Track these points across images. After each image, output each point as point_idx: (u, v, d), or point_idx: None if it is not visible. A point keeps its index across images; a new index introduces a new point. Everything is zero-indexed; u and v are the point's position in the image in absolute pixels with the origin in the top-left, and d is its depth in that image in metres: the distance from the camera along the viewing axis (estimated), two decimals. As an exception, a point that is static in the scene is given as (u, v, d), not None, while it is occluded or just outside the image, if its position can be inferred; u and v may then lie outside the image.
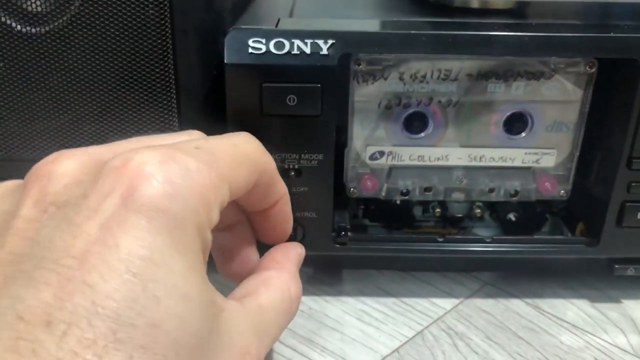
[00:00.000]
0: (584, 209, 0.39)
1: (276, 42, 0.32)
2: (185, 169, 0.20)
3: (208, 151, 0.22)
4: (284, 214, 0.28)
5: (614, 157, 0.35)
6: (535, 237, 0.39)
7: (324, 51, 0.32)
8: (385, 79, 0.35)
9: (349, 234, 0.38)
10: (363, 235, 0.39)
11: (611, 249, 0.37)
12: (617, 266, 0.38)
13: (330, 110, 0.33)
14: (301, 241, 0.36)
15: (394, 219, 0.41)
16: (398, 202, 0.39)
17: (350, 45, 0.32)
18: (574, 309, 0.39)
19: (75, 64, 0.33)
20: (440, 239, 0.38)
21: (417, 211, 0.41)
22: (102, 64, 0.33)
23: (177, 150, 0.21)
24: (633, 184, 0.35)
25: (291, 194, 0.35)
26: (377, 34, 0.32)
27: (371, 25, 0.35)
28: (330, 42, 0.32)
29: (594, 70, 0.35)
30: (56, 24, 0.32)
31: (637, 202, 0.36)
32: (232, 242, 0.29)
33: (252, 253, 0.29)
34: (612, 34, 0.33)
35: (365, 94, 0.36)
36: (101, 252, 0.18)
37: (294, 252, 0.29)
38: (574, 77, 0.36)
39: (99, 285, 0.17)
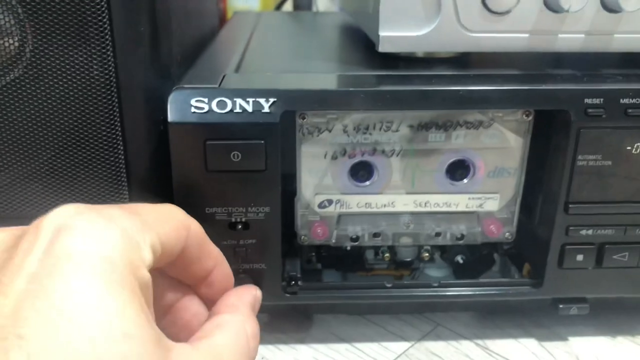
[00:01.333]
0: (529, 250, 0.40)
1: (219, 101, 0.33)
2: (107, 215, 0.21)
3: (130, 206, 0.23)
4: (225, 275, 0.29)
5: (554, 200, 0.37)
6: (481, 280, 0.40)
7: (266, 109, 0.33)
8: (330, 131, 0.36)
9: (299, 283, 0.38)
10: (314, 284, 0.39)
11: (554, 289, 0.38)
12: (561, 306, 0.39)
13: (274, 164, 0.34)
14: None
15: (346, 264, 0.41)
16: (348, 248, 0.40)
17: (291, 103, 0.33)
18: (522, 350, 0.40)
19: (19, 122, 0.33)
20: (389, 285, 0.39)
21: (370, 254, 0.42)
22: (47, 122, 0.33)
23: (96, 206, 0.21)
24: (571, 228, 0.36)
25: (239, 246, 0.36)
26: (317, 92, 0.33)
27: (314, 81, 0.36)
28: (271, 100, 0.33)
29: (530, 118, 0.37)
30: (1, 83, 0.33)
31: (575, 244, 0.37)
32: (183, 318, 0.29)
33: (201, 308, 0.29)
34: (543, 87, 0.34)
35: (312, 146, 0.37)
36: (32, 304, 0.18)
37: (248, 294, 0.29)
38: (512, 125, 0.37)
39: (33, 337, 0.17)
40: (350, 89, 0.33)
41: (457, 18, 0.36)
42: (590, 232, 0.37)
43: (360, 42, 0.47)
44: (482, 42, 0.37)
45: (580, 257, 0.37)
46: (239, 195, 0.34)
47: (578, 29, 0.37)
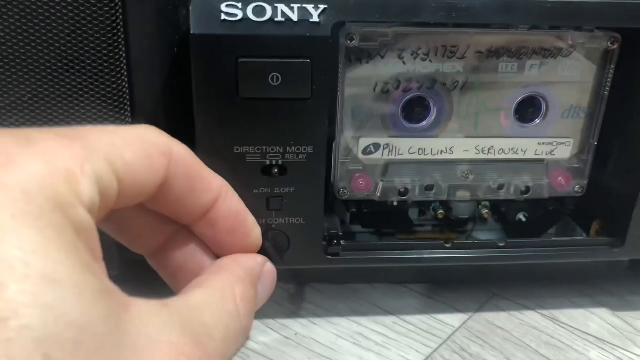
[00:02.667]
0: (601, 206, 0.35)
1: (255, 6, 0.26)
2: (26, 138, 0.15)
3: (77, 129, 0.17)
4: (233, 213, 0.22)
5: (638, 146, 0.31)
6: (552, 239, 0.34)
7: (315, 18, 0.26)
8: (382, 57, 0.30)
9: (342, 242, 0.32)
10: (359, 244, 0.33)
11: (638, 249, 0.33)
12: (642, 269, 0.34)
13: (322, 93, 0.27)
14: (287, 252, 0.29)
15: (388, 224, 0.35)
16: (395, 203, 0.34)
17: (346, 11, 0.26)
18: (596, 320, 0.34)
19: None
20: (448, 245, 0.32)
21: (413, 214, 0.36)
22: (36, 38, 0.26)
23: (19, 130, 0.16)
24: (664, 175, 0.31)
25: (274, 196, 0.29)
26: (375, 0, 0.27)
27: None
28: (322, 7, 0.26)
29: (616, 46, 0.31)
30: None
31: (668, 195, 0.31)
32: (178, 260, 0.22)
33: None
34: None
35: (359, 76, 0.30)
36: None
37: (249, 260, 0.23)
38: (594, 55, 0.31)
39: None
40: (420, -4, 0.27)
41: None
42: (686, 180, 0.31)
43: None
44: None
45: (670, 212, 0.32)
46: (276, 130, 0.28)
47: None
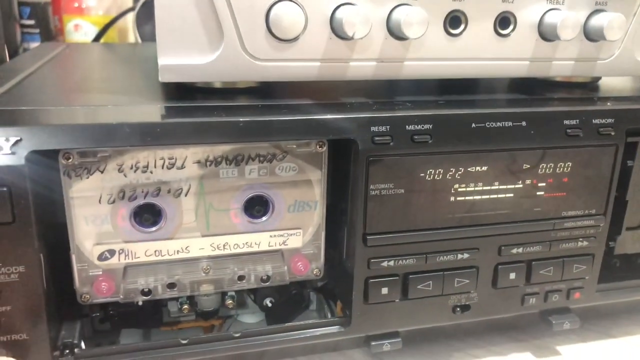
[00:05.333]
0: (339, 287, 0.38)
1: (-57, 142, 0.27)
2: None
3: None
4: None
5: (355, 233, 0.35)
6: (286, 325, 0.37)
7: (7, 150, 0.28)
8: (102, 172, 0.32)
9: (75, 350, 0.32)
10: (93, 351, 0.33)
11: (363, 326, 0.37)
12: (373, 343, 0.37)
13: (25, 215, 0.28)
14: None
15: (142, 321, 0.37)
16: (140, 303, 0.35)
17: (39, 141, 0.28)
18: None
19: None
20: (185, 341, 0.34)
21: (173, 307, 0.38)
22: None
23: None
24: (372, 260, 0.35)
25: (-11, 316, 0.29)
26: (71, 127, 0.29)
27: (74, 116, 0.31)
28: (13, 139, 0.28)
29: (324, 149, 0.35)
30: None
31: (378, 277, 0.35)
32: None
33: None
34: (329, 116, 0.33)
35: (82, 190, 0.32)
36: None
37: None
38: (307, 156, 0.35)
39: None
40: (112, 122, 0.29)
41: (242, 45, 0.34)
42: (392, 263, 0.35)
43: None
44: (271, 71, 0.35)
45: (385, 290, 0.36)
46: (-19, 254, 0.28)
47: (368, 56, 0.36)
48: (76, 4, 0.87)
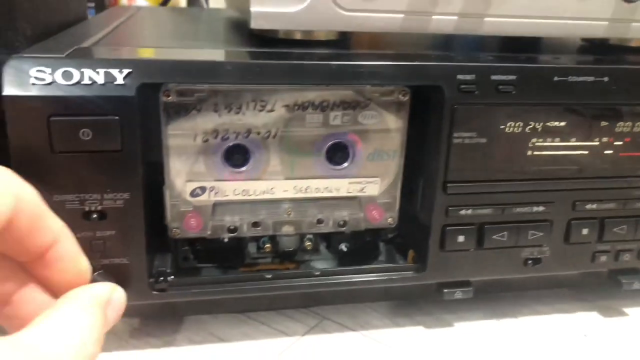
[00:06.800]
0: (413, 236, 0.39)
1: (64, 71, 0.29)
2: None
3: None
4: (69, 254, 0.24)
5: (433, 182, 0.36)
6: (363, 267, 0.38)
7: (120, 81, 0.29)
8: (199, 111, 0.34)
9: (169, 278, 0.35)
10: (186, 279, 0.36)
11: (437, 273, 0.38)
12: (445, 290, 0.38)
13: (132, 144, 0.30)
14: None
15: (226, 259, 0.38)
16: (226, 240, 0.37)
17: (149, 74, 0.30)
18: (409, 338, 0.38)
19: None
20: (269, 276, 0.36)
21: (252, 247, 0.40)
22: None
23: None
24: (450, 208, 0.36)
25: (96, 239, 0.32)
26: (178, 63, 0.31)
27: (179, 54, 0.33)
28: (126, 71, 0.29)
29: (407, 98, 0.36)
30: None
31: (456, 225, 0.36)
32: (23, 312, 0.24)
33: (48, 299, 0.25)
34: (417, 63, 0.34)
35: (179, 128, 0.34)
36: None
37: (98, 288, 0.25)
38: (389, 105, 0.36)
39: None
40: (216, 60, 0.31)
41: (331, -5, 0.35)
42: (469, 212, 0.36)
43: (242, 30, 0.45)
44: (357, 21, 0.36)
45: (461, 239, 0.37)
46: (92, 180, 0.30)
47: (450, 10, 0.37)
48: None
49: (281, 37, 0.39)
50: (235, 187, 0.36)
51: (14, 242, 0.22)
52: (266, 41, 0.38)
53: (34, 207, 0.22)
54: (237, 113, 0.34)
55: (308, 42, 0.39)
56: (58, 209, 0.30)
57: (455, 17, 0.37)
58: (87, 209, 0.31)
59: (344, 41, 0.40)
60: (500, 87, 0.34)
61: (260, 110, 0.34)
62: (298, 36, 0.39)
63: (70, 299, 0.23)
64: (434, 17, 0.37)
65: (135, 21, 0.48)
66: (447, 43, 0.46)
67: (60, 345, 0.20)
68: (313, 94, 0.35)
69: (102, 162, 0.30)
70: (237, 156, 0.35)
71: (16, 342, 0.19)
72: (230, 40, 0.42)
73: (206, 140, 0.34)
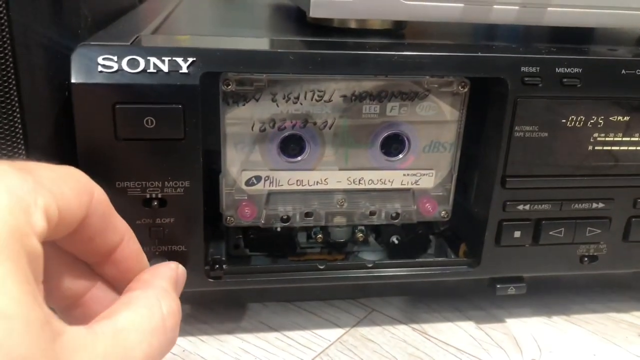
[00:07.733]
0: (465, 230, 0.39)
1: (130, 59, 0.29)
2: None
3: (23, 163, 0.19)
4: (134, 253, 0.25)
5: (491, 175, 0.35)
6: (416, 260, 0.38)
7: (184, 69, 0.29)
8: (257, 100, 0.33)
9: (224, 266, 0.35)
10: (240, 267, 0.36)
11: (492, 268, 0.37)
12: (498, 286, 0.38)
13: (194, 133, 0.30)
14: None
15: (277, 248, 0.38)
16: (279, 229, 0.37)
17: (212, 63, 0.30)
18: (460, 332, 0.38)
19: None
20: (322, 267, 0.36)
21: (302, 237, 0.40)
22: None
23: None
24: (508, 203, 0.35)
25: (155, 226, 0.32)
26: (242, 52, 0.30)
27: (239, 43, 0.33)
28: (190, 59, 0.29)
29: (466, 89, 0.35)
30: None
31: (513, 220, 0.36)
32: (92, 311, 0.25)
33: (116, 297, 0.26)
34: (481, 54, 0.33)
35: (237, 117, 0.34)
36: None
37: (166, 269, 0.25)
38: (447, 97, 0.35)
39: None
40: (278, 50, 0.30)
41: (391, -16, 0.34)
42: (527, 207, 0.36)
43: (294, 17, 0.44)
44: (417, 10, 0.35)
45: (517, 234, 0.36)
46: (154, 167, 0.31)
47: (512, 0, 0.36)
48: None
49: (335, 26, 0.38)
50: (289, 177, 0.36)
51: (86, 242, 0.22)
52: (320, 29, 0.37)
53: (104, 207, 0.22)
54: (295, 103, 0.34)
55: (362, 31, 0.38)
56: (120, 195, 0.31)
57: (516, 7, 0.36)
58: (148, 196, 0.31)
59: (397, 30, 0.39)
60: (565, 80, 0.33)
61: (318, 100, 0.34)
62: (353, 25, 0.38)
63: (147, 284, 0.23)
64: (495, 6, 0.36)
65: (186, 8, 0.48)
66: (491, 32, 0.45)
67: (140, 335, 0.20)
68: (370, 84, 0.34)
69: (164, 150, 0.30)
70: (292, 146, 0.35)
71: (97, 336, 0.19)
72: (282, 28, 0.42)
73: (263, 130, 0.34)
